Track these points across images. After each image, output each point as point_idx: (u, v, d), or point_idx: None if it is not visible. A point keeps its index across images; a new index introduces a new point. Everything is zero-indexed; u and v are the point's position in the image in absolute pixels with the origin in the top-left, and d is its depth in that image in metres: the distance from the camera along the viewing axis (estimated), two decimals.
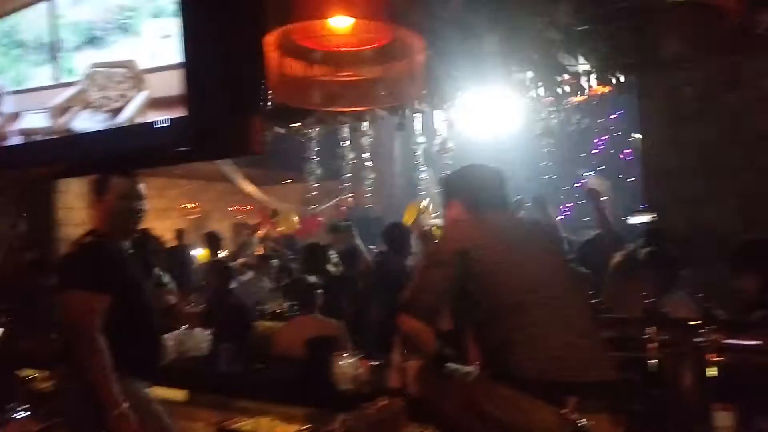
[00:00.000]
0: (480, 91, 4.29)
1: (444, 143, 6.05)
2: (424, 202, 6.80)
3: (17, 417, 3.47)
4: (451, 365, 2.13)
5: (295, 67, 1.97)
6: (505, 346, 1.90)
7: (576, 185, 9.51)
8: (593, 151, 10.17)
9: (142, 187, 2.44)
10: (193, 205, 10.34)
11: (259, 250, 6.45)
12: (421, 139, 6.77)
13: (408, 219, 6.25)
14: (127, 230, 2.58)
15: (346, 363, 2.84)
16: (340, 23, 1.92)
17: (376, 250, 5.31)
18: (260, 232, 6.51)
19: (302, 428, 2.94)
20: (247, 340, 4.19)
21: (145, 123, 1.68)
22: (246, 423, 3.11)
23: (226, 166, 7.39)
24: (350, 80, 2.08)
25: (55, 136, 2.13)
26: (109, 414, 2.28)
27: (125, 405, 2.31)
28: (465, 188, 2.23)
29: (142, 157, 1.91)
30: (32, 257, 5.92)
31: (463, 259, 1.94)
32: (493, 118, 5.51)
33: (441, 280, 1.97)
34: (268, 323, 4.96)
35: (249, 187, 8.15)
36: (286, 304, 5.61)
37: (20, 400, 3.63)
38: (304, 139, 7.13)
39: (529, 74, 4.07)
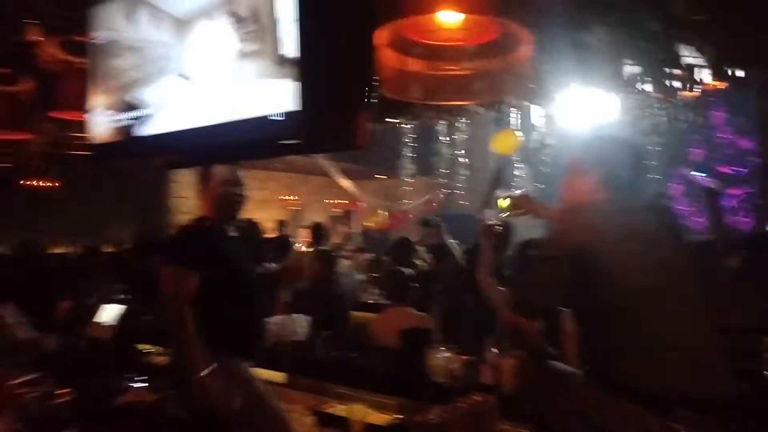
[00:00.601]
0: (584, 86, 4.15)
1: (543, 139, 5.87)
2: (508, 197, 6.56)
3: (135, 386, 3.77)
4: (554, 364, 2.05)
5: (400, 61, 2.00)
6: (618, 351, 1.74)
7: (678, 185, 8.98)
8: (698, 150, 9.53)
9: (241, 175, 2.64)
10: (292, 197, 10.74)
11: (352, 243, 6.62)
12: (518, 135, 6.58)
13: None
14: (230, 215, 2.74)
15: (441, 356, 2.86)
16: (450, 18, 1.93)
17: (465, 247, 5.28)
18: (353, 226, 6.66)
19: (394, 417, 3.00)
20: (344, 328, 4.32)
21: (261, 116, 1.77)
22: (340, 408, 3.21)
23: (324, 160, 7.61)
24: (454, 74, 2.09)
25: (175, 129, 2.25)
26: (191, 378, 2.43)
27: (206, 372, 2.45)
28: (596, 162, 1.90)
29: (255, 149, 2.03)
30: (150, 239, 6.46)
31: (581, 253, 1.73)
32: (595, 114, 5.30)
33: (554, 276, 1.79)
34: (361, 314, 5.09)
35: (344, 182, 8.36)
36: (378, 296, 5.75)
37: (138, 371, 3.96)
38: (398, 134, 7.22)
39: (637, 68, 3.88)
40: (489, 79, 2.25)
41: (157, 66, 2.20)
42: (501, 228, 3.10)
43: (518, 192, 2.40)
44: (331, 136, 1.75)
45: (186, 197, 7.26)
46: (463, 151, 7.47)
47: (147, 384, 3.77)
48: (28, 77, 3.27)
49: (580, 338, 1.93)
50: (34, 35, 2.94)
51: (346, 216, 6.50)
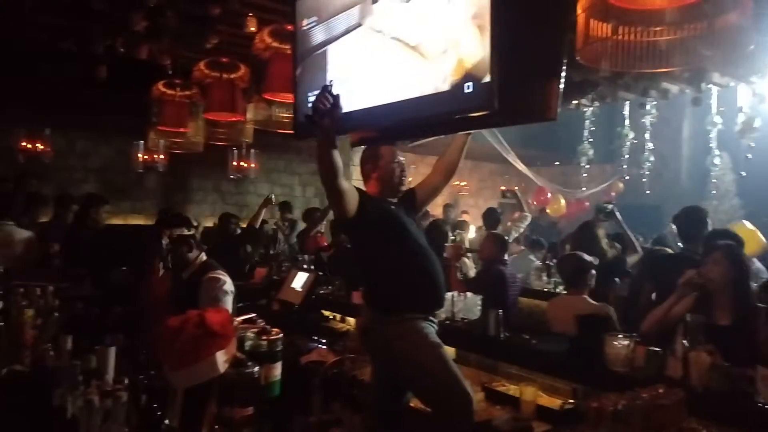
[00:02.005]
0: None
1: (749, 122, 5.19)
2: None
3: (319, 346, 4.13)
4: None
5: (595, 27, 1.92)
6: None
7: None
8: None
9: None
10: (462, 183, 10.80)
11: (525, 229, 6.50)
12: (717, 119, 5.89)
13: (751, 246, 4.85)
14: (395, 192, 2.86)
15: (620, 344, 2.74)
16: None
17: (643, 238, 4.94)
18: (527, 212, 6.51)
19: (567, 401, 2.94)
20: (513, 309, 4.31)
21: (456, 89, 1.82)
22: (511, 388, 3.22)
23: (499, 145, 7.53)
24: (653, 41, 1.95)
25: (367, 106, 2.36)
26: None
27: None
28: None
29: (444, 123, 2.09)
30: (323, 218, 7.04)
31: None
32: None
33: None
34: (533, 300, 5.02)
35: (520, 166, 8.21)
36: (551, 284, 5.63)
37: (321, 334, 4.34)
38: (579, 118, 6.89)
39: None
40: (691, 48, 2.06)
41: (352, 43, 2.34)
42: None
43: None
44: (522, 106, 1.74)
45: (355, 180, 7.66)
46: (649, 136, 6.92)
47: (328, 346, 4.13)
48: (243, 65, 3.72)
49: None
50: (251, 26, 3.34)
51: (519, 202, 6.37)
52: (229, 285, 3.20)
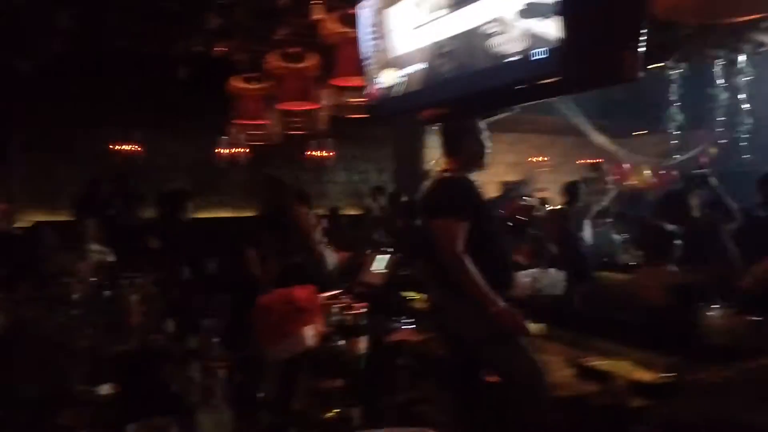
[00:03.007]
0: None
1: None
2: None
3: (403, 327, 4.18)
4: None
5: None
6: None
7: None
8: None
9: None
10: (542, 159, 10.53)
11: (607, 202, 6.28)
12: None
13: None
14: (479, 168, 2.88)
15: (719, 315, 2.60)
16: None
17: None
18: (609, 185, 6.27)
19: (663, 376, 2.83)
20: (597, 283, 4.19)
21: (524, 56, 1.77)
22: (603, 363, 3.13)
23: (577, 118, 7.27)
24: None
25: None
26: (490, 313, 2.59)
27: (502, 303, 2.60)
28: None
29: (516, 94, 2.04)
30: (405, 200, 7.04)
31: None
32: None
33: None
34: (617, 274, 4.84)
35: (599, 139, 7.88)
36: (635, 257, 5.40)
37: (405, 315, 4.39)
38: (663, 84, 6.50)
39: None
40: None
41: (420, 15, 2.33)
42: None
43: None
44: (599, 70, 1.66)
45: (437, 162, 7.64)
46: (744, 96, 6.42)
47: (413, 325, 4.17)
48: (313, 53, 3.80)
49: None
50: (318, 13, 3.41)
51: (601, 176, 6.15)
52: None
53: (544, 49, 1.73)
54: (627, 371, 2.89)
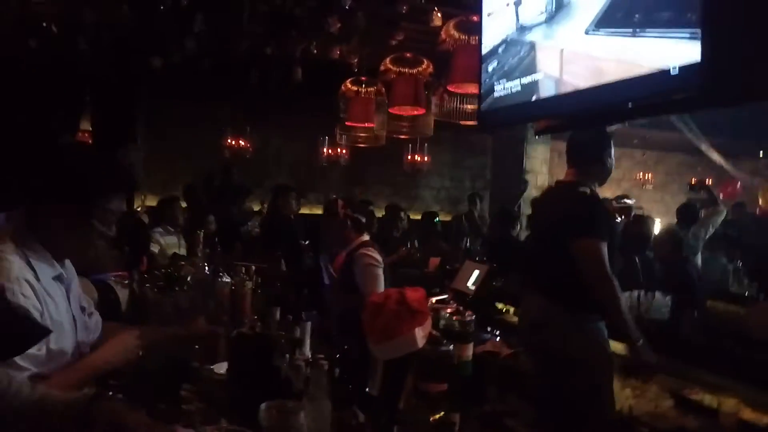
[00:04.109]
0: None
1: None
2: None
3: (492, 338, 4.15)
4: None
5: None
6: None
7: None
8: None
9: None
10: (647, 176, 10.05)
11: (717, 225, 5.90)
12: None
13: None
14: (602, 181, 2.83)
15: None
16: None
17: None
18: (721, 208, 5.86)
19: None
20: (705, 311, 3.95)
21: (659, 70, 1.71)
22: (707, 397, 2.96)
23: (691, 135, 6.87)
24: None
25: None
26: (630, 343, 2.60)
27: (641, 341, 2.58)
28: None
29: (643, 107, 1.97)
30: (504, 212, 6.95)
31: None
32: None
33: None
34: (729, 305, 4.54)
35: (716, 157, 7.40)
36: (752, 288, 5.03)
37: (494, 326, 4.35)
38: None
39: None
40: None
41: (544, 27, 2.32)
42: None
43: None
44: (741, 85, 1.58)
45: (539, 172, 7.48)
46: None
47: (500, 338, 4.13)
48: (426, 58, 3.87)
49: None
50: (436, 21, 3.46)
51: (712, 196, 5.77)
52: (377, 260, 3.33)
53: (677, 66, 1.67)
54: (734, 408, 2.72)
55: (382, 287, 3.22)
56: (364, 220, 3.52)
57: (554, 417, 2.77)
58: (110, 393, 1.39)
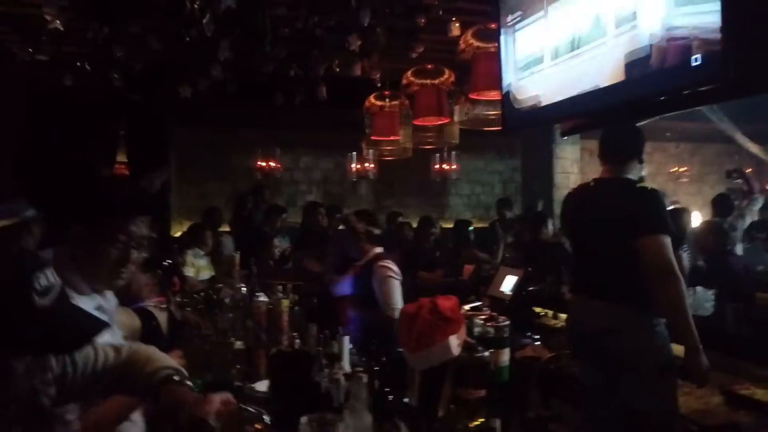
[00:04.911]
0: None
1: None
2: None
3: (532, 343, 4.11)
4: None
5: None
6: None
7: None
8: None
9: None
10: (683, 169, 9.82)
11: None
12: None
13: None
14: (636, 174, 2.74)
15: None
16: None
17: None
18: (758, 195, 5.69)
19: None
20: (752, 303, 3.84)
21: (682, 62, 1.69)
22: (759, 392, 2.88)
23: (725, 124, 6.71)
24: None
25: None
26: (690, 350, 2.48)
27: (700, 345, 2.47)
28: None
29: (667, 102, 1.95)
30: (531, 215, 6.90)
31: None
32: None
33: None
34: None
35: (752, 146, 7.20)
36: None
37: (533, 331, 4.31)
38: None
39: None
40: None
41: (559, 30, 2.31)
42: None
43: None
44: (763, 74, 1.55)
45: (570, 172, 7.41)
46: None
47: (541, 342, 4.08)
48: (448, 68, 3.90)
49: None
50: (455, 31, 3.49)
51: (750, 184, 5.60)
52: (396, 272, 3.33)
53: (701, 54, 1.65)
54: None
55: (401, 298, 3.23)
56: (377, 231, 3.54)
57: (614, 424, 2.68)
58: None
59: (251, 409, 1.57)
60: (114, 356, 1.39)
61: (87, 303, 1.62)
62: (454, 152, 7.53)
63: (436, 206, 9.92)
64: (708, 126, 7.28)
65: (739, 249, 4.86)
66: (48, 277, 1.06)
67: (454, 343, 1.55)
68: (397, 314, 2.73)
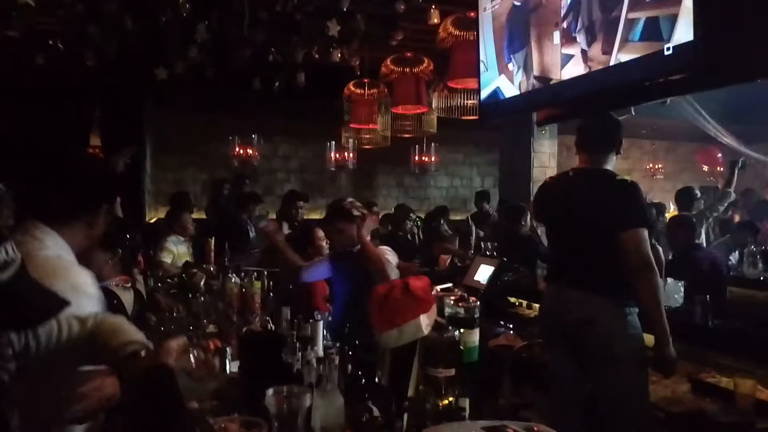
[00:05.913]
0: None
1: None
2: None
3: (505, 332, 4.15)
4: None
5: None
6: None
7: None
8: None
9: None
10: (657, 166, 9.98)
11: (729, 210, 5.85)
12: None
13: None
14: (612, 164, 2.76)
15: None
16: None
17: None
18: (729, 189, 5.81)
19: None
20: (720, 296, 3.93)
21: (653, 52, 1.71)
22: (723, 380, 2.94)
23: (703, 122, 6.82)
24: None
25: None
26: (658, 344, 2.52)
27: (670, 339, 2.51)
28: None
29: (640, 91, 1.97)
30: (508, 208, 6.95)
31: None
32: None
33: None
34: (746, 290, 4.51)
35: (728, 141, 7.34)
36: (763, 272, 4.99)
37: (507, 320, 4.35)
38: None
39: None
40: None
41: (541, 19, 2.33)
42: None
43: None
44: (739, 64, 1.56)
45: (547, 167, 7.47)
46: None
47: (514, 331, 4.12)
48: (426, 57, 3.90)
49: None
50: (434, 19, 3.49)
51: (725, 182, 5.73)
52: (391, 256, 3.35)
53: (673, 44, 1.67)
54: (751, 389, 2.70)
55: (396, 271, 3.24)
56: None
57: (585, 412, 2.71)
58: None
59: None
60: (79, 328, 1.37)
61: None
62: (433, 144, 7.55)
63: (415, 198, 9.95)
64: (684, 124, 7.39)
65: (704, 242, 4.96)
66: (8, 252, 1.03)
67: (425, 322, 1.55)
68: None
